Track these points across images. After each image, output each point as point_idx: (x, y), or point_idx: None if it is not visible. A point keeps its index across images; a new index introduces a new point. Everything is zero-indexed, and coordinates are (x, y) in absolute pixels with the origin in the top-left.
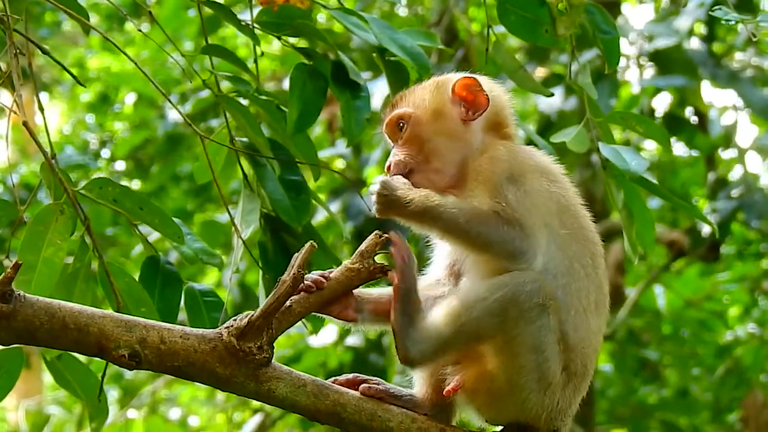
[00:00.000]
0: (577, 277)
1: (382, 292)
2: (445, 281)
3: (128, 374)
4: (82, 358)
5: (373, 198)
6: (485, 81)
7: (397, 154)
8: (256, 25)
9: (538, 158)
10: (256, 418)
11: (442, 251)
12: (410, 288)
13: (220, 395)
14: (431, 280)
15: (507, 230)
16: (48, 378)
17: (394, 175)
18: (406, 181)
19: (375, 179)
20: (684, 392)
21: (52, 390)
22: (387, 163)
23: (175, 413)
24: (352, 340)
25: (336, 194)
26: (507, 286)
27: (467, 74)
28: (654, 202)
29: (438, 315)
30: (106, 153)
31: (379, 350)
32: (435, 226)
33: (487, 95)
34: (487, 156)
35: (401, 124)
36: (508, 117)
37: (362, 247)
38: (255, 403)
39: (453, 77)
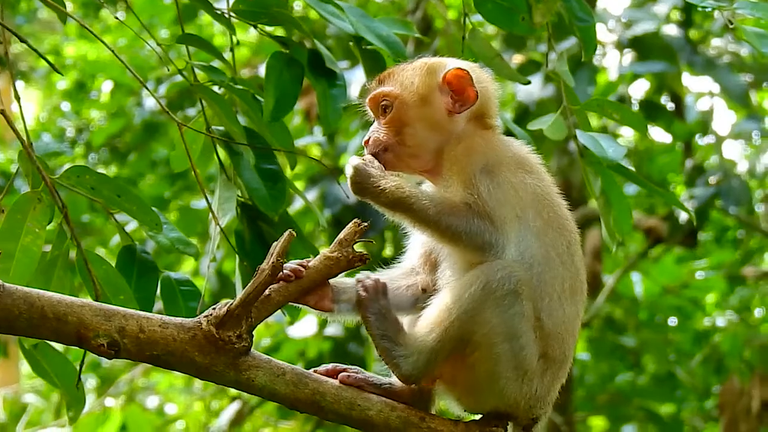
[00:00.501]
0: (553, 265)
1: None
2: (420, 270)
3: (106, 363)
4: (59, 346)
5: (348, 181)
6: (476, 72)
7: (376, 131)
8: (232, 13)
9: (515, 149)
10: (234, 406)
11: (418, 239)
12: (379, 312)
13: (198, 383)
14: (406, 268)
15: (477, 223)
16: (25, 367)
17: (371, 152)
18: (380, 166)
19: (350, 161)
20: (662, 379)
21: (29, 379)
22: (365, 137)
23: (152, 401)
24: (332, 330)
25: (313, 182)
26: (478, 279)
27: (460, 64)
28: (631, 189)
29: (421, 324)
30: (82, 140)
31: (358, 340)
32: (405, 217)
33: (476, 91)
34: (463, 146)
35: (384, 103)
36: (492, 108)
37: (341, 235)
38: (233, 391)
39: (446, 64)
